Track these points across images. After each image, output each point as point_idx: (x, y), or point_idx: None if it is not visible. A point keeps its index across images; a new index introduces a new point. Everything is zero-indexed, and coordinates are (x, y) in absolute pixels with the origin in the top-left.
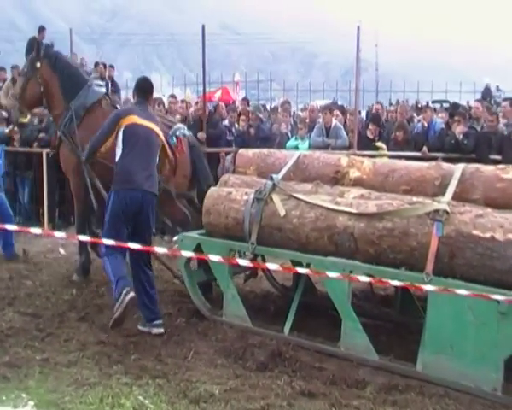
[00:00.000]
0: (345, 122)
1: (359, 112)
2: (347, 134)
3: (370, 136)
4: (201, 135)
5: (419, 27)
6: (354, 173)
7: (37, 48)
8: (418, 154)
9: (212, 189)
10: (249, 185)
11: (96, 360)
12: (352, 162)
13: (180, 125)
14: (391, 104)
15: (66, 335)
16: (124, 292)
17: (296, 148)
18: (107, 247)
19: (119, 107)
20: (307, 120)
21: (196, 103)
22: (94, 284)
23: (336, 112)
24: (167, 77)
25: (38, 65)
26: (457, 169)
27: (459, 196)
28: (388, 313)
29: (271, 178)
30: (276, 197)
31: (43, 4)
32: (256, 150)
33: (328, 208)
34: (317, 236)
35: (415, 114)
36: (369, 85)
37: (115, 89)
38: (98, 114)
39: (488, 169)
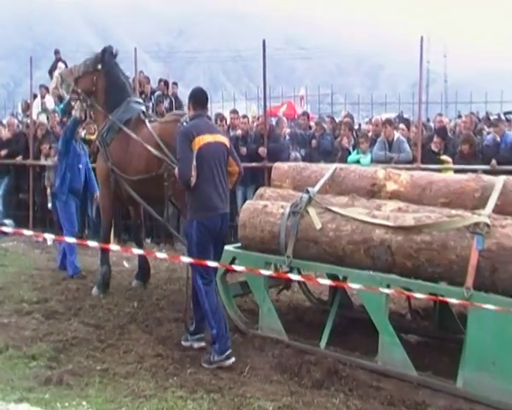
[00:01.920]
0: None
1: (425, 124)
2: (411, 147)
3: (435, 149)
4: (262, 150)
5: (488, 36)
6: (391, 186)
7: (103, 52)
8: (487, 167)
9: (248, 202)
10: (285, 199)
11: (152, 373)
12: (389, 175)
13: None
14: (459, 116)
15: (125, 346)
16: (227, 354)
17: (358, 162)
18: (203, 277)
19: (147, 122)
20: (370, 134)
21: (257, 118)
22: (154, 298)
23: (401, 125)
24: (232, 92)
25: (99, 66)
26: (499, 181)
27: (501, 209)
28: (426, 328)
29: (307, 192)
30: (312, 210)
31: (116, 27)
32: (292, 163)
33: (364, 221)
34: (353, 249)
35: (485, 126)
36: (438, 97)
37: (179, 105)
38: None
39: None
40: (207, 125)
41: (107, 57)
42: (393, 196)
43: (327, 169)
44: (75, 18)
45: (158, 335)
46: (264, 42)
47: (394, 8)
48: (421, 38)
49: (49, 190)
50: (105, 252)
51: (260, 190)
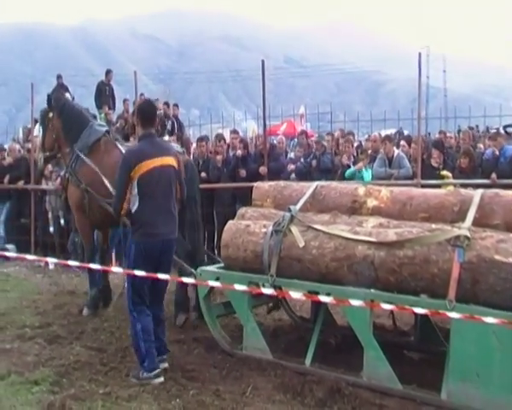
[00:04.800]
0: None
1: (425, 139)
2: (410, 163)
3: (435, 164)
4: (263, 170)
5: (486, 50)
6: (372, 202)
7: (48, 100)
8: (487, 181)
9: (230, 222)
10: (267, 218)
11: (155, 395)
12: (370, 191)
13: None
14: (459, 131)
15: (127, 369)
16: (156, 373)
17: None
18: (137, 297)
19: (118, 143)
20: (369, 151)
21: (258, 138)
22: None
23: (403, 142)
24: (232, 112)
25: (51, 115)
26: (476, 194)
27: (479, 222)
28: (409, 342)
29: (289, 210)
30: (294, 229)
31: (116, 50)
32: (272, 183)
33: (347, 238)
34: (336, 266)
35: (486, 140)
36: (438, 112)
37: (180, 126)
38: (99, 151)
39: (508, 194)
40: (156, 146)
41: (54, 102)
42: (374, 212)
43: (308, 187)
44: (75, 43)
45: None
46: (263, 62)
47: (394, 25)
48: (420, 55)
49: (50, 215)
50: (92, 276)
51: (241, 210)
